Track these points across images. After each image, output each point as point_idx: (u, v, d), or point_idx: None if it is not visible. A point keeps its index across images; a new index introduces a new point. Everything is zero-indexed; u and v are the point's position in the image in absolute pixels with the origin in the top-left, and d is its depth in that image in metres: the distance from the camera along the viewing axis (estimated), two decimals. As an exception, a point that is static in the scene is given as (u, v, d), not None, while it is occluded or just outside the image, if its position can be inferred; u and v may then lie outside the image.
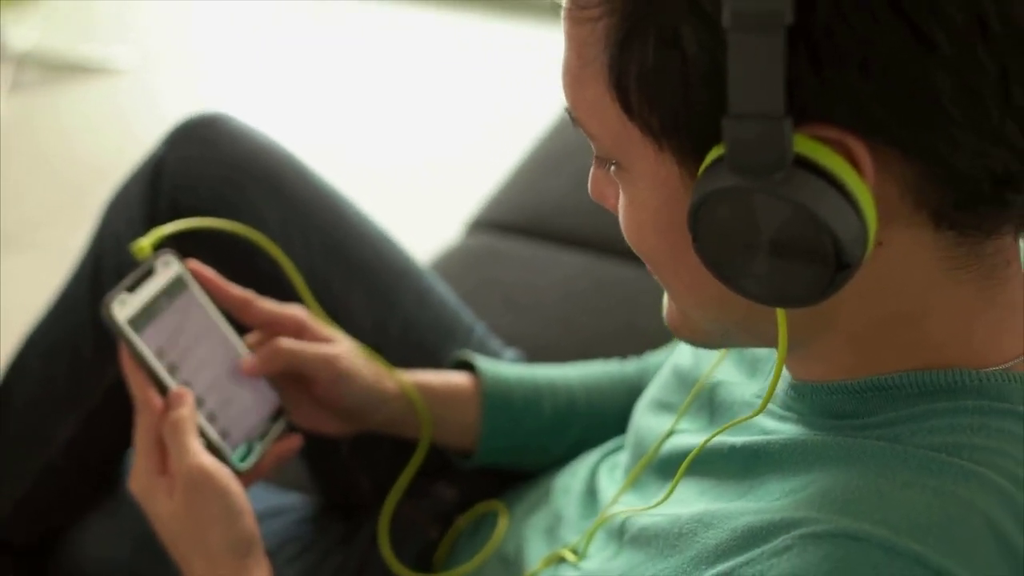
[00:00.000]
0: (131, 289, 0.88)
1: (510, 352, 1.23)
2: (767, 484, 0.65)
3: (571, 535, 0.87)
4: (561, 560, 0.83)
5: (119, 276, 0.90)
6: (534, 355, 1.26)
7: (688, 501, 0.71)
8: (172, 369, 0.89)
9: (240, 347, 0.96)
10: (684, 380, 0.86)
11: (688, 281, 0.64)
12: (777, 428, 0.69)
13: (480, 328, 1.20)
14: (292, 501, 1.17)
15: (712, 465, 0.71)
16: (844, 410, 0.65)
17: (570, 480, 0.95)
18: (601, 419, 1.05)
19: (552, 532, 0.90)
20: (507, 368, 1.07)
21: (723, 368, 0.81)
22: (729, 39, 0.52)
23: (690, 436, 0.79)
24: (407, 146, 2.91)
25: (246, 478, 0.92)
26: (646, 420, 0.87)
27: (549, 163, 1.78)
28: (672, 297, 0.69)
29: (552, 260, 1.58)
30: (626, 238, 0.66)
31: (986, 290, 0.62)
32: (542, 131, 1.91)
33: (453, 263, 1.57)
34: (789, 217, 0.55)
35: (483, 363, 1.06)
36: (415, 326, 1.13)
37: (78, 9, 3.51)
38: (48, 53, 3.18)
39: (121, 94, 3.10)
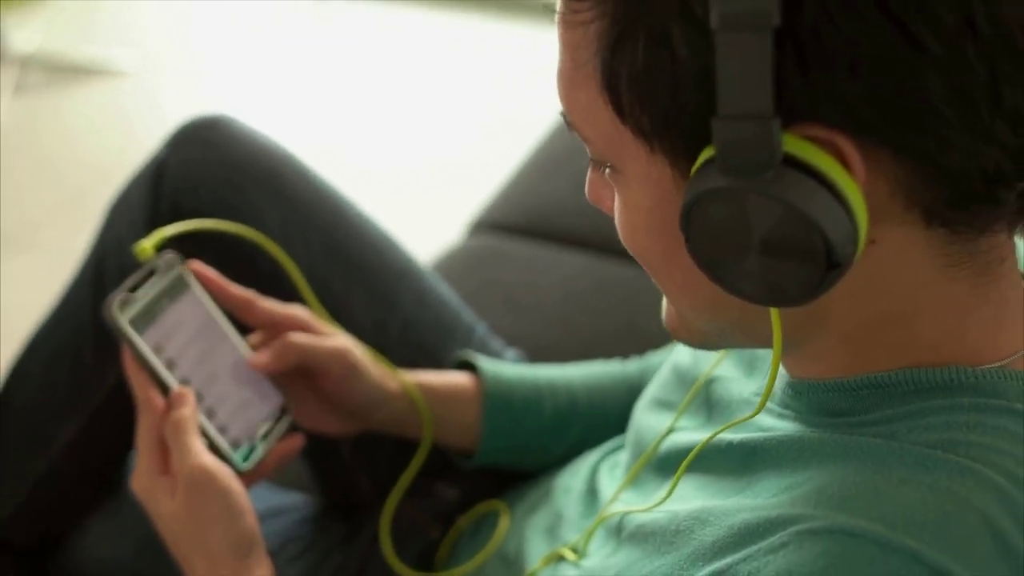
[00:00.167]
0: (133, 290, 0.89)
1: (511, 352, 1.23)
2: (764, 480, 0.66)
3: (571, 534, 0.87)
4: (561, 559, 0.83)
5: (121, 278, 0.91)
6: (535, 355, 1.26)
7: (686, 498, 0.71)
8: (174, 369, 0.90)
9: (242, 347, 0.96)
10: (683, 379, 0.86)
11: (682, 282, 0.65)
12: (775, 425, 0.69)
13: (481, 328, 1.21)
14: (293, 501, 1.17)
15: (710, 462, 0.72)
16: (841, 408, 0.66)
17: (571, 480, 0.96)
18: (602, 419, 1.05)
19: (553, 531, 0.90)
20: (508, 368, 1.07)
21: (721, 365, 0.82)
22: (717, 40, 0.53)
23: (688, 433, 0.80)
24: (409, 147, 2.91)
25: (248, 478, 0.92)
26: (646, 419, 0.88)
27: (550, 164, 1.78)
28: (668, 299, 0.70)
29: (553, 261, 1.58)
30: (621, 240, 0.66)
31: (980, 287, 0.62)
32: (543, 132, 1.92)
33: (454, 264, 1.58)
34: (779, 217, 0.56)
35: (484, 363, 1.06)
36: (415, 326, 1.14)
37: (80, 12, 3.52)
38: (51, 55, 3.18)
39: (123, 96, 3.10)
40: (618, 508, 0.80)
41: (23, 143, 2.83)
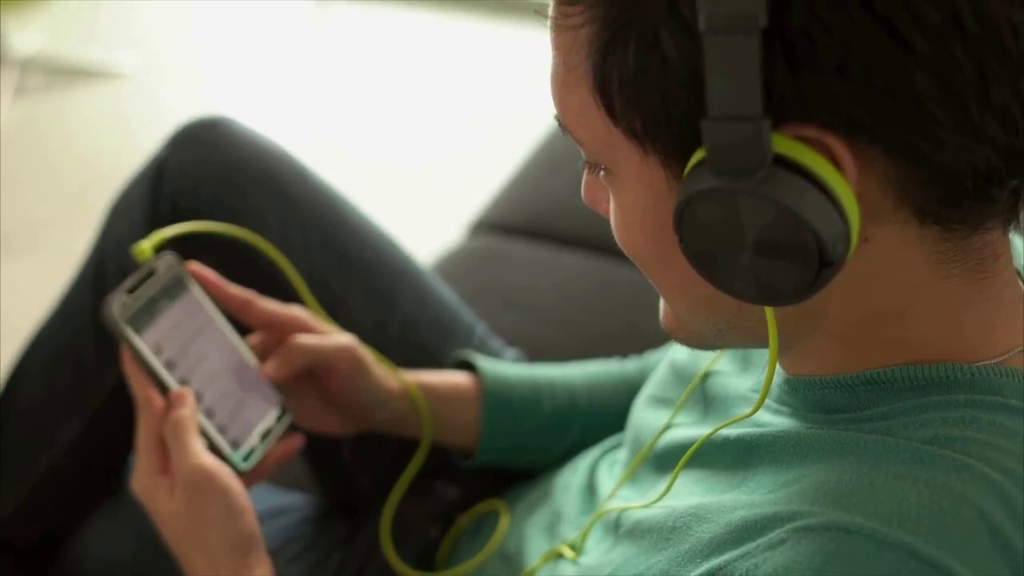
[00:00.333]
0: (132, 291, 0.89)
1: (511, 352, 1.23)
2: (760, 476, 0.66)
3: (570, 531, 0.87)
4: (559, 556, 0.83)
5: (122, 278, 0.91)
6: (535, 356, 1.26)
7: (683, 493, 0.72)
8: (173, 369, 0.90)
9: (242, 347, 0.97)
10: (680, 375, 0.86)
11: (678, 282, 0.65)
12: (771, 421, 0.69)
13: (481, 328, 1.21)
14: (294, 501, 1.17)
15: (707, 457, 0.72)
16: (837, 404, 0.66)
17: (570, 478, 0.96)
18: (602, 418, 1.05)
19: (552, 529, 0.91)
20: (507, 367, 1.08)
21: (717, 361, 0.82)
22: (705, 43, 0.53)
23: (685, 429, 0.80)
24: (409, 147, 2.91)
25: (248, 478, 0.92)
26: (643, 416, 0.88)
27: (550, 165, 1.78)
28: (664, 299, 0.70)
29: (553, 261, 1.58)
30: (617, 241, 0.67)
31: (975, 284, 0.63)
32: (543, 133, 1.92)
33: (454, 264, 1.58)
34: (771, 216, 0.56)
35: (483, 362, 1.06)
36: (415, 326, 1.14)
37: (82, 14, 3.52)
38: (52, 57, 3.19)
39: (124, 98, 3.11)
40: (616, 504, 0.80)
41: (24, 145, 2.84)
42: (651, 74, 0.57)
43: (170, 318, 0.91)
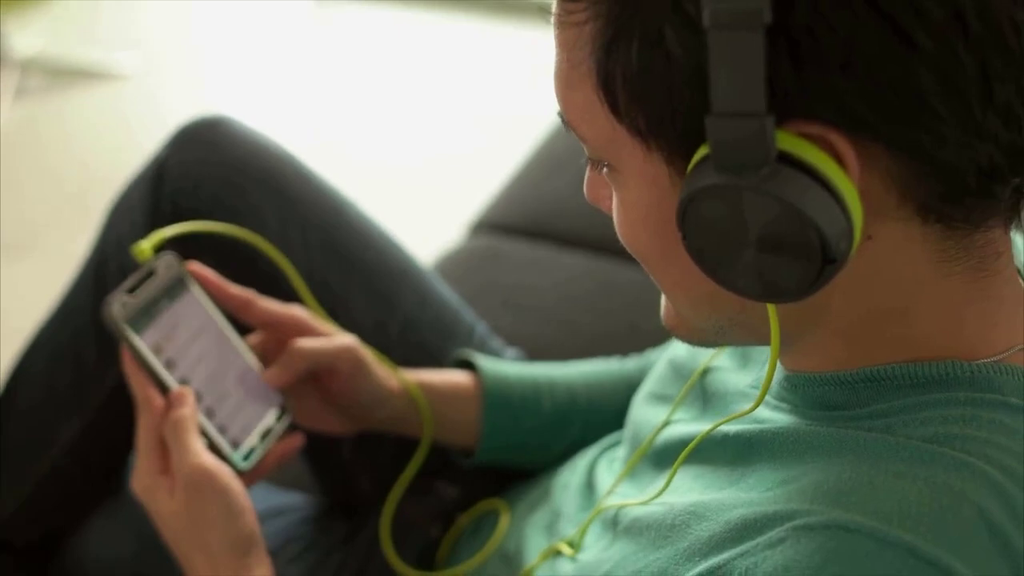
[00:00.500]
0: (132, 291, 0.89)
1: (511, 351, 1.23)
2: (759, 472, 0.66)
3: (569, 529, 0.87)
4: (558, 554, 0.83)
5: (122, 278, 0.91)
6: (535, 356, 1.26)
7: (681, 489, 0.72)
8: (173, 369, 0.90)
9: (242, 347, 0.97)
10: (679, 372, 0.87)
11: (680, 279, 0.65)
12: (770, 418, 0.69)
13: (481, 327, 1.21)
14: (294, 501, 1.17)
15: (705, 453, 0.72)
16: (836, 401, 0.66)
17: (569, 476, 0.96)
18: (602, 416, 1.05)
19: (551, 527, 0.91)
20: (507, 366, 1.08)
21: (717, 357, 0.82)
22: (710, 39, 0.53)
23: (684, 425, 0.80)
24: (409, 147, 2.91)
25: (248, 477, 0.92)
26: (643, 412, 0.88)
27: (551, 165, 1.78)
28: (666, 296, 0.70)
29: (553, 261, 1.58)
30: (620, 238, 0.67)
31: (977, 282, 0.63)
32: (544, 133, 1.92)
33: (455, 264, 1.58)
34: (775, 213, 0.56)
35: (483, 361, 1.07)
36: (416, 326, 1.14)
37: (82, 15, 3.52)
38: (52, 59, 3.19)
39: (124, 99, 3.11)
40: (614, 501, 0.80)
41: (24, 146, 2.84)
42: (655, 70, 0.57)
43: (170, 318, 0.91)
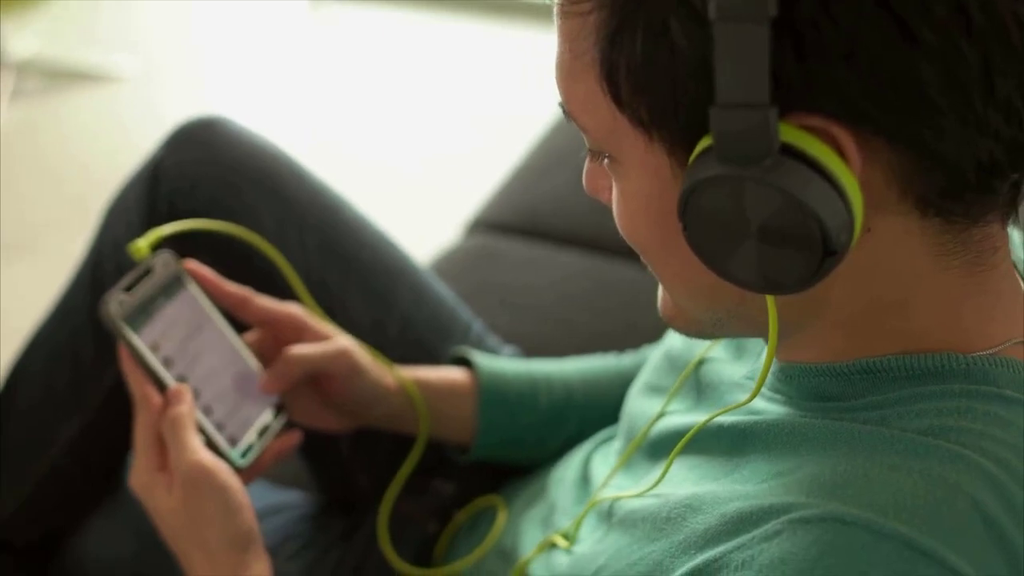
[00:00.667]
0: (129, 289, 0.89)
1: (508, 349, 1.24)
2: (754, 464, 0.66)
3: (564, 522, 0.87)
4: (553, 546, 0.83)
5: (119, 278, 0.91)
6: (532, 355, 1.26)
7: (676, 480, 0.72)
8: (170, 367, 0.90)
9: (239, 345, 0.97)
10: (674, 363, 0.87)
11: (679, 270, 0.66)
12: (765, 409, 0.70)
13: (478, 325, 1.21)
14: (292, 499, 1.17)
15: (700, 444, 0.72)
16: (831, 392, 0.66)
17: (565, 470, 0.96)
18: (598, 412, 1.05)
19: (547, 521, 0.91)
20: (504, 363, 1.08)
21: (712, 348, 0.82)
22: (715, 31, 0.54)
23: (679, 417, 0.80)
24: (405, 147, 2.91)
25: (245, 474, 0.92)
26: (638, 404, 0.88)
27: (547, 164, 1.79)
28: (665, 287, 0.70)
29: (550, 260, 1.58)
30: (619, 229, 0.67)
31: (974, 276, 0.63)
32: (540, 132, 1.92)
33: (451, 264, 1.58)
34: (776, 205, 0.56)
35: (480, 358, 1.07)
36: (413, 324, 1.14)
37: (79, 17, 3.52)
38: (49, 61, 3.19)
39: (122, 101, 3.11)
40: (609, 493, 0.80)
41: (22, 148, 2.83)
42: (659, 62, 0.57)
43: (167, 316, 0.92)
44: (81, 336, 1.10)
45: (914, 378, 0.64)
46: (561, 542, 0.82)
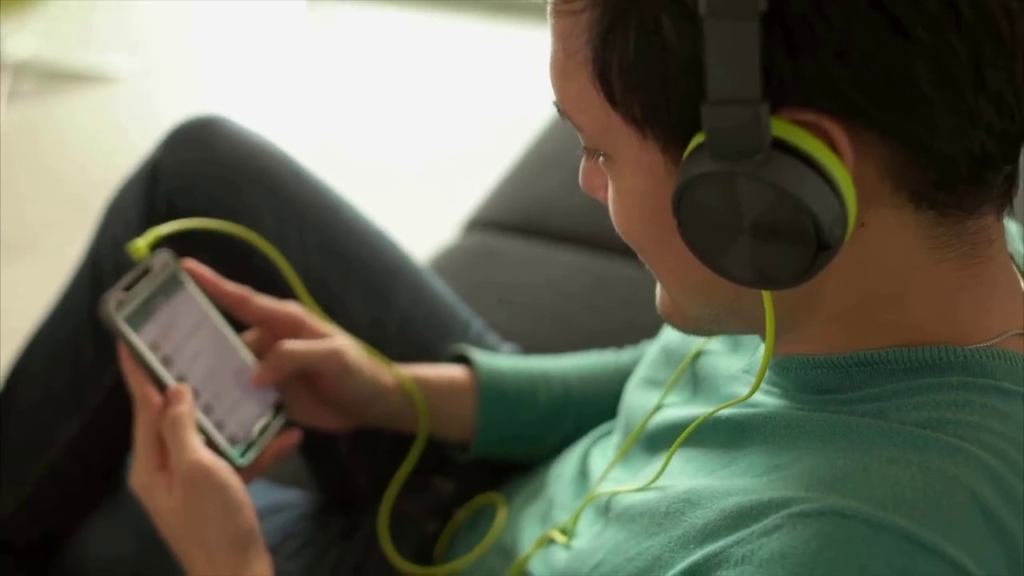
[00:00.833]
0: (128, 288, 0.89)
1: (507, 347, 1.24)
2: (751, 457, 0.66)
3: (563, 517, 0.87)
4: (551, 542, 0.83)
5: (118, 278, 0.91)
6: (531, 353, 1.26)
7: (673, 472, 0.72)
8: (170, 366, 0.90)
9: (238, 344, 0.97)
10: (671, 356, 0.87)
11: (675, 267, 0.66)
12: (761, 401, 0.70)
13: (477, 324, 1.21)
14: (292, 498, 1.17)
15: (697, 436, 0.72)
16: (828, 385, 0.66)
17: (563, 466, 0.96)
18: (597, 408, 1.05)
19: (546, 517, 0.91)
20: (502, 360, 1.08)
21: (709, 340, 0.82)
22: (706, 27, 0.54)
23: (676, 409, 0.80)
24: (403, 146, 2.91)
25: (245, 474, 0.92)
26: (635, 397, 0.89)
27: (545, 162, 1.79)
28: (662, 284, 0.70)
29: (548, 258, 1.58)
30: (616, 227, 0.67)
31: (969, 268, 0.63)
32: (538, 130, 1.92)
33: (450, 262, 1.58)
34: (769, 200, 0.56)
35: (478, 356, 1.07)
36: (412, 322, 1.14)
37: (77, 17, 3.52)
38: (46, 62, 3.19)
39: (119, 102, 3.10)
40: (607, 487, 0.80)
41: (19, 149, 2.83)
42: (651, 59, 0.57)
43: (166, 315, 0.92)
44: (81, 336, 1.10)
45: (911, 371, 0.64)
46: (559, 537, 0.83)
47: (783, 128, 0.56)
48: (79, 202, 2.52)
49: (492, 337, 1.22)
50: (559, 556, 0.80)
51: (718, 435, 0.71)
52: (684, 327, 0.72)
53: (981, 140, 0.57)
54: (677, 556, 0.64)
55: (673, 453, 0.73)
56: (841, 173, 0.56)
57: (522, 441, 1.07)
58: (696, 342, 0.84)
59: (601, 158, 0.66)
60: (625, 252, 0.69)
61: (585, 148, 0.68)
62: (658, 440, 0.80)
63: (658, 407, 0.83)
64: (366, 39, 3.49)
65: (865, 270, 0.62)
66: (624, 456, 0.84)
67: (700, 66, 0.55)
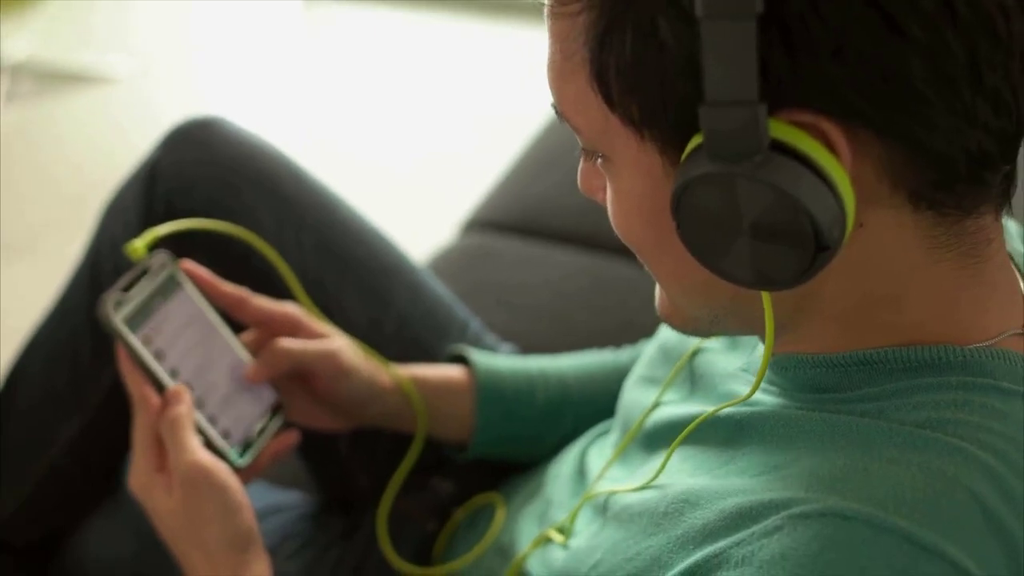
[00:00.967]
0: (126, 289, 0.89)
1: (505, 347, 1.24)
2: (750, 456, 0.66)
3: (560, 516, 0.87)
4: (549, 541, 0.83)
5: (117, 278, 0.91)
6: (530, 353, 1.26)
7: (671, 471, 0.72)
8: (168, 366, 0.90)
9: (236, 345, 0.97)
10: (669, 354, 0.87)
11: (674, 268, 0.66)
12: (760, 400, 0.70)
13: (475, 324, 1.21)
14: (291, 498, 1.17)
15: (696, 435, 0.72)
16: (827, 384, 0.66)
17: (561, 466, 0.96)
18: (595, 408, 1.05)
19: (544, 516, 0.91)
20: (500, 360, 1.08)
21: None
22: (703, 28, 0.54)
23: (673, 407, 0.80)
24: (401, 147, 2.91)
25: (244, 474, 0.92)
26: (633, 395, 0.89)
27: (543, 162, 1.79)
28: (661, 285, 0.71)
29: (546, 259, 1.58)
30: (614, 228, 0.67)
31: (968, 268, 0.63)
32: (536, 130, 1.92)
33: (448, 263, 1.58)
34: (768, 201, 0.56)
35: (476, 355, 1.07)
36: (410, 322, 1.14)
37: (74, 18, 3.52)
38: (44, 62, 3.18)
39: (117, 103, 3.10)
40: (605, 486, 0.80)
41: (17, 150, 2.83)
42: (648, 61, 0.57)
43: (165, 316, 0.92)
44: (80, 336, 1.10)
45: (911, 370, 0.64)
46: (557, 537, 0.83)
47: (781, 129, 0.56)
48: (78, 202, 2.52)
49: (490, 337, 1.22)
50: (557, 556, 0.80)
51: (716, 433, 0.71)
52: (683, 328, 0.72)
53: (979, 139, 0.57)
54: (676, 557, 0.64)
55: (671, 455, 0.73)
56: (839, 174, 0.56)
57: (520, 441, 1.07)
58: (693, 339, 0.84)
59: (599, 160, 0.66)
60: (623, 252, 0.69)
61: (583, 150, 0.68)
62: (656, 438, 0.80)
63: (655, 405, 0.83)
64: (363, 39, 3.49)
65: (864, 270, 0.62)
66: (622, 454, 0.84)
67: (697, 68, 0.55)
